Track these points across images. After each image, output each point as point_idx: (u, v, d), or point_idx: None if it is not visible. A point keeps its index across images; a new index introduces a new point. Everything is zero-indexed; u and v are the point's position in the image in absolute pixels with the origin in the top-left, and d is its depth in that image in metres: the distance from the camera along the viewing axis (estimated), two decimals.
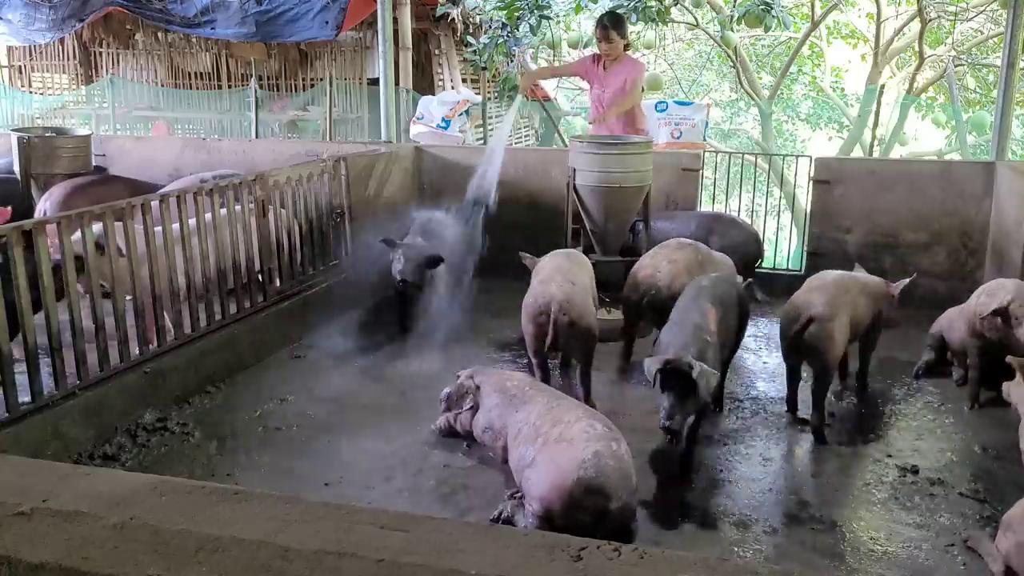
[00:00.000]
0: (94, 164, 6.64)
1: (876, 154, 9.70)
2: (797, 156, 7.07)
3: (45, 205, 5.75)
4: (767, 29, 8.62)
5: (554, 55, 12.20)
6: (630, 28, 7.95)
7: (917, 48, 11.71)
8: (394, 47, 7.30)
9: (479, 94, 9.71)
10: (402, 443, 3.83)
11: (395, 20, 7.84)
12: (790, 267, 6.91)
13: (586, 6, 9.02)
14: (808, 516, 3.26)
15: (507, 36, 9.53)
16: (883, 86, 9.55)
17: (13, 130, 6.95)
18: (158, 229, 4.16)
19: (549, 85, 12.34)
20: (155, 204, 4.17)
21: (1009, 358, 3.40)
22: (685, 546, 3.04)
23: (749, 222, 6.28)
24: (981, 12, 11.86)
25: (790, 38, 14.46)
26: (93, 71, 12.90)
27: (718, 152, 8.97)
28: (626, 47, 6.03)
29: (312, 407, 4.21)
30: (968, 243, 5.80)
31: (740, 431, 3.98)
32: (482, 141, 9.85)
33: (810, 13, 12.56)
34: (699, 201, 6.38)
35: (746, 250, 5.55)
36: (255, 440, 3.87)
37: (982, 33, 12.86)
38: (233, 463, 3.65)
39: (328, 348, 5.00)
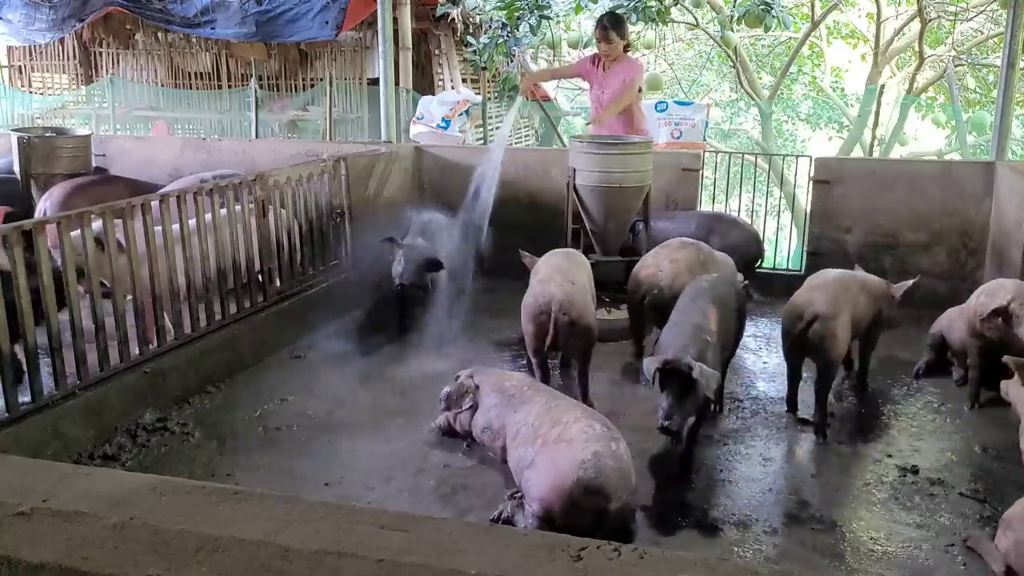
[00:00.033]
0: (94, 164, 6.64)
1: (876, 154, 9.70)
2: (797, 156, 7.07)
3: (45, 205, 5.75)
4: (767, 29, 8.63)
5: (554, 55, 12.20)
6: (630, 28, 7.95)
7: (917, 48, 11.71)
8: (394, 47, 7.30)
9: (479, 94, 9.72)
10: (402, 443, 3.83)
11: (395, 20, 7.84)
12: (790, 267, 6.91)
13: (586, 6, 9.02)
14: (808, 516, 3.26)
15: (507, 36, 9.53)
16: (883, 86, 9.55)
17: (13, 130, 6.95)
18: (158, 229, 4.16)
19: (549, 85, 12.34)
20: (155, 204, 4.17)
21: (1006, 358, 3.40)
22: (685, 546, 3.04)
23: (749, 222, 6.28)
24: (981, 12, 11.86)
25: (790, 38, 14.46)
26: (93, 71, 12.90)
27: (718, 152, 8.96)
28: (626, 48, 6.01)
29: (312, 407, 4.21)
30: (968, 243, 5.80)
31: (740, 431, 3.98)
32: (482, 141, 9.85)
33: (810, 13, 12.56)
34: (699, 201, 6.38)
35: (747, 250, 5.55)
36: (255, 440, 3.87)
37: (982, 33, 12.86)
38: (233, 463, 3.65)
39: (328, 348, 5.00)
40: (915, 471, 3.58)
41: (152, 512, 1.66)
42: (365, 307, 5.61)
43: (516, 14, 8.62)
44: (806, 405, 4.21)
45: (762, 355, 5.05)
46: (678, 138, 8.35)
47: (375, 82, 8.81)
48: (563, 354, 4.40)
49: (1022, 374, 3.32)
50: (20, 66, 13.15)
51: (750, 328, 5.46)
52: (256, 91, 10.35)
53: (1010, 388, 3.48)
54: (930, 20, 11.22)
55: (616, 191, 5.23)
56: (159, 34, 12.33)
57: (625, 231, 5.48)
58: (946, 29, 12.71)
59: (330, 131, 9.58)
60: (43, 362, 3.56)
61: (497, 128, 11.05)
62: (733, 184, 7.49)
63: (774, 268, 6.55)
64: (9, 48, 12.77)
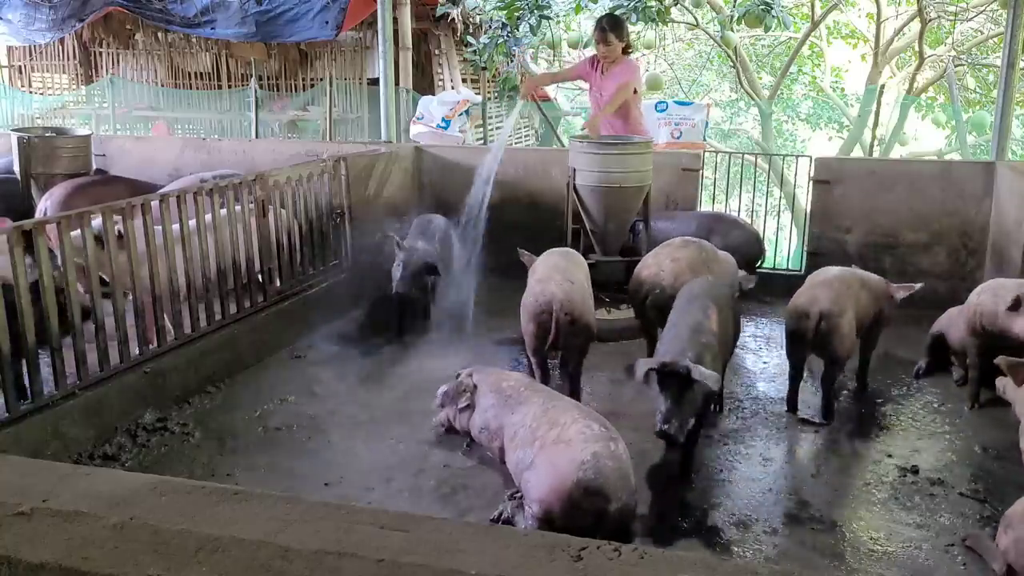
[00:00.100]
0: (94, 164, 6.64)
1: (876, 154, 9.70)
2: (797, 156, 7.07)
3: (46, 204, 5.75)
4: (767, 29, 8.62)
5: (554, 55, 12.20)
6: (630, 28, 7.94)
7: (917, 48, 11.71)
8: (394, 47, 7.30)
9: (479, 94, 9.72)
10: (402, 443, 3.83)
11: (395, 20, 7.84)
12: (790, 267, 6.91)
13: (586, 6, 9.02)
14: (808, 516, 3.26)
15: (507, 36, 9.53)
16: (883, 86, 9.55)
17: (13, 130, 6.95)
18: (158, 229, 4.16)
19: (549, 86, 12.33)
20: (155, 204, 4.17)
21: (998, 359, 3.38)
22: (685, 546, 3.04)
23: (749, 222, 6.29)
24: (981, 12, 11.86)
25: (790, 38, 14.45)
26: (93, 71, 12.90)
27: (718, 152, 8.96)
28: (626, 49, 5.98)
29: (312, 407, 4.21)
30: (968, 243, 5.80)
31: (740, 431, 3.98)
32: (482, 141, 9.85)
33: (810, 13, 12.55)
34: (699, 201, 6.38)
35: (747, 250, 5.55)
36: (255, 440, 3.87)
37: (982, 33, 12.86)
38: (233, 463, 3.65)
39: (328, 348, 5.00)
40: (915, 471, 3.58)
41: (152, 512, 1.66)
42: (365, 307, 5.61)
43: (516, 14, 8.62)
44: (806, 405, 4.21)
45: (762, 355, 5.05)
46: (678, 138, 8.35)
47: (375, 82, 8.81)
48: (563, 354, 4.39)
49: (1014, 374, 3.31)
50: (20, 66, 13.15)
51: (750, 328, 5.47)
52: (256, 91, 10.35)
53: (1007, 387, 3.48)
54: (930, 20, 11.22)
55: (616, 191, 5.23)
56: (159, 34, 12.33)
57: (625, 231, 5.48)
58: (946, 29, 12.71)
59: (330, 131, 9.58)
60: (43, 362, 3.56)
61: (497, 128, 11.05)
62: (733, 184, 7.49)
63: (774, 268, 6.55)
64: (9, 48, 12.77)
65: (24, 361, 3.46)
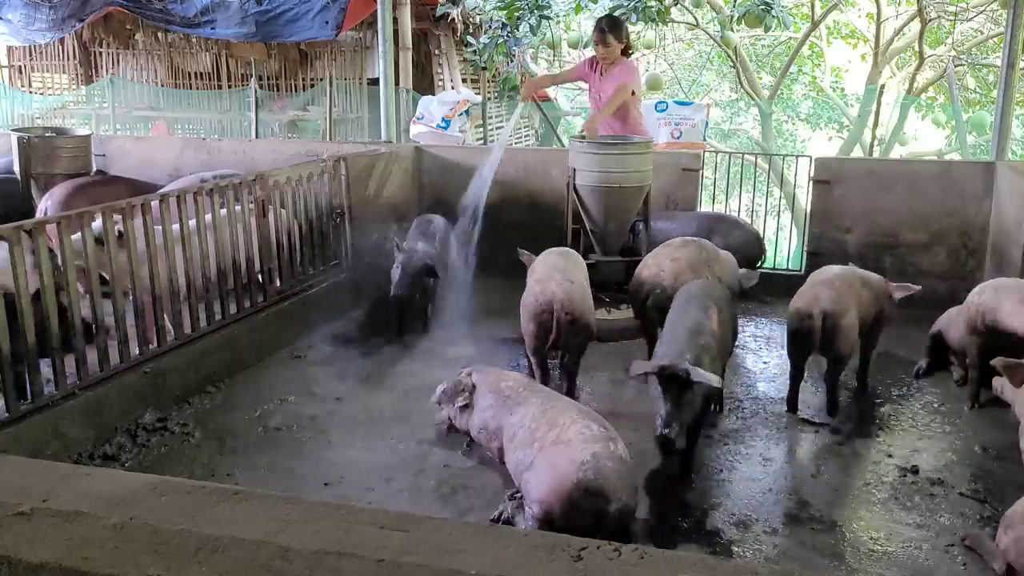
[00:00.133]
0: (94, 164, 6.64)
1: (876, 154, 9.70)
2: (797, 156, 7.07)
3: (47, 204, 5.75)
4: (767, 29, 8.62)
5: (554, 55, 12.20)
6: (630, 28, 7.93)
7: (917, 48, 11.71)
8: (394, 47, 7.30)
9: (479, 94, 9.72)
10: (402, 443, 3.83)
11: (395, 20, 7.84)
12: (790, 267, 6.91)
13: (586, 6, 9.02)
14: (808, 516, 3.26)
15: (507, 36, 9.53)
16: (883, 86, 9.55)
17: (13, 130, 6.95)
18: (158, 229, 4.16)
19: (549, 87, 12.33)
20: (155, 204, 4.17)
21: (995, 360, 3.37)
22: (685, 546, 3.04)
23: (750, 222, 6.29)
24: (981, 12, 11.86)
25: (790, 38, 14.45)
26: (93, 71, 12.90)
27: (718, 152, 8.96)
28: (625, 51, 5.95)
29: (312, 407, 4.21)
30: (968, 243, 5.80)
31: (740, 431, 3.98)
32: (482, 141, 9.85)
33: (810, 13, 12.55)
34: (699, 201, 6.38)
35: (748, 251, 5.55)
36: (255, 440, 3.87)
37: (982, 33, 12.86)
38: (233, 463, 3.65)
39: (328, 348, 5.00)
40: (915, 471, 3.58)
41: (152, 512, 1.66)
42: (365, 307, 5.61)
43: (516, 14, 8.62)
44: (806, 405, 4.22)
45: (762, 355, 5.05)
46: (678, 138, 8.35)
47: (375, 82, 8.81)
48: (563, 353, 4.39)
49: (1011, 375, 3.31)
50: (20, 66, 13.15)
51: (750, 328, 5.47)
52: (256, 91, 10.35)
53: (1004, 387, 3.47)
54: (930, 20, 11.22)
55: (616, 191, 5.23)
56: (159, 34, 12.33)
57: (625, 231, 5.48)
58: (946, 29, 12.71)
59: (330, 131, 9.58)
60: (43, 362, 3.56)
61: (498, 128, 11.05)
62: (733, 184, 7.50)
63: (774, 268, 6.55)
64: (9, 48, 12.77)
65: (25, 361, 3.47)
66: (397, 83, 7.74)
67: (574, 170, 5.33)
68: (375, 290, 5.56)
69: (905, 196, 5.89)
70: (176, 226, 4.29)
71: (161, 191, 4.71)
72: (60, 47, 12.76)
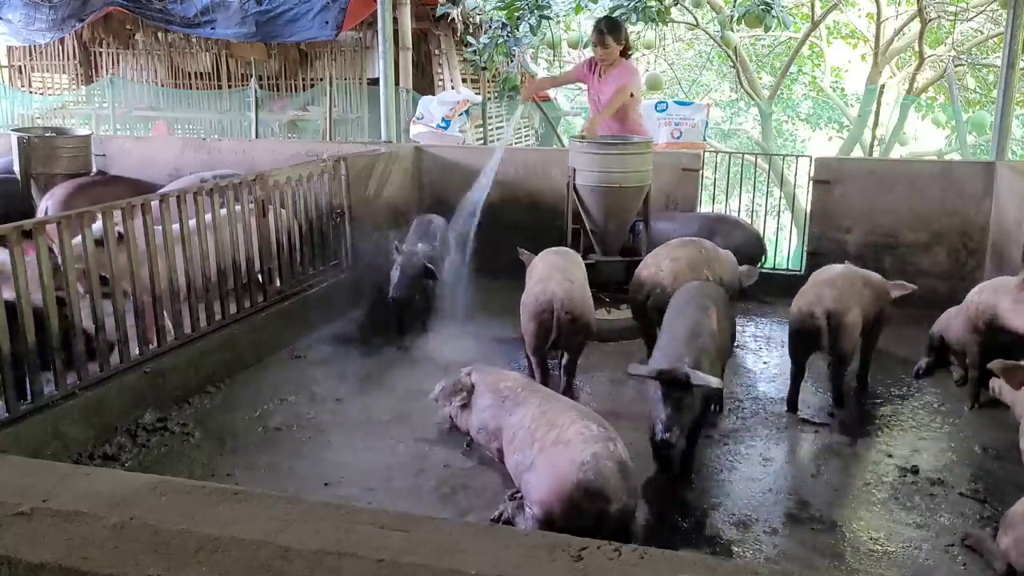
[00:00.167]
0: (94, 164, 6.65)
1: (876, 154, 9.70)
2: (797, 156, 7.07)
3: (47, 204, 5.76)
4: (767, 29, 8.62)
5: (554, 55, 12.20)
6: (630, 28, 7.92)
7: (917, 48, 11.71)
8: (394, 47, 7.30)
9: (479, 94, 9.72)
10: (402, 443, 3.83)
11: (395, 20, 7.85)
12: (790, 267, 6.91)
13: (586, 6, 9.02)
14: (808, 516, 3.26)
15: (507, 36, 9.53)
16: (883, 86, 9.55)
17: (13, 130, 6.95)
18: (158, 229, 4.16)
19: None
20: (155, 204, 4.17)
21: (992, 363, 3.36)
22: (685, 546, 3.04)
23: (750, 223, 6.29)
24: (981, 12, 11.86)
25: (790, 38, 14.45)
26: (93, 71, 12.90)
27: (718, 152, 8.96)
28: (624, 52, 5.93)
29: (312, 407, 4.21)
30: (968, 243, 5.80)
31: (740, 431, 3.98)
32: (482, 141, 9.85)
33: (810, 13, 12.56)
34: (699, 201, 6.38)
35: (749, 251, 5.55)
36: (255, 440, 3.87)
37: (982, 33, 12.85)
38: (233, 463, 3.65)
39: (328, 348, 5.00)
40: (915, 471, 3.58)
41: (152, 512, 1.66)
42: (365, 307, 5.61)
43: (516, 14, 8.63)
44: (806, 405, 4.21)
45: (762, 355, 5.04)
46: (678, 138, 8.35)
47: (375, 82, 8.82)
48: (563, 352, 4.39)
49: (1009, 377, 3.30)
50: (20, 66, 13.15)
51: (750, 328, 5.47)
52: (256, 91, 10.35)
53: (1003, 389, 3.47)
54: (930, 20, 11.22)
55: (616, 191, 5.23)
56: (159, 34, 12.33)
57: (625, 231, 5.48)
58: (946, 29, 12.71)
59: (330, 131, 9.58)
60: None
61: (498, 128, 11.05)
62: (733, 184, 7.50)
63: (774, 268, 6.55)
64: (9, 48, 12.77)
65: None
66: (397, 83, 7.74)
67: (574, 170, 5.33)
68: (375, 290, 5.56)
69: (905, 196, 5.89)
70: (176, 226, 4.29)
71: (161, 191, 4.72)
72: (60, 47, 12.76)
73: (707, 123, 8.87)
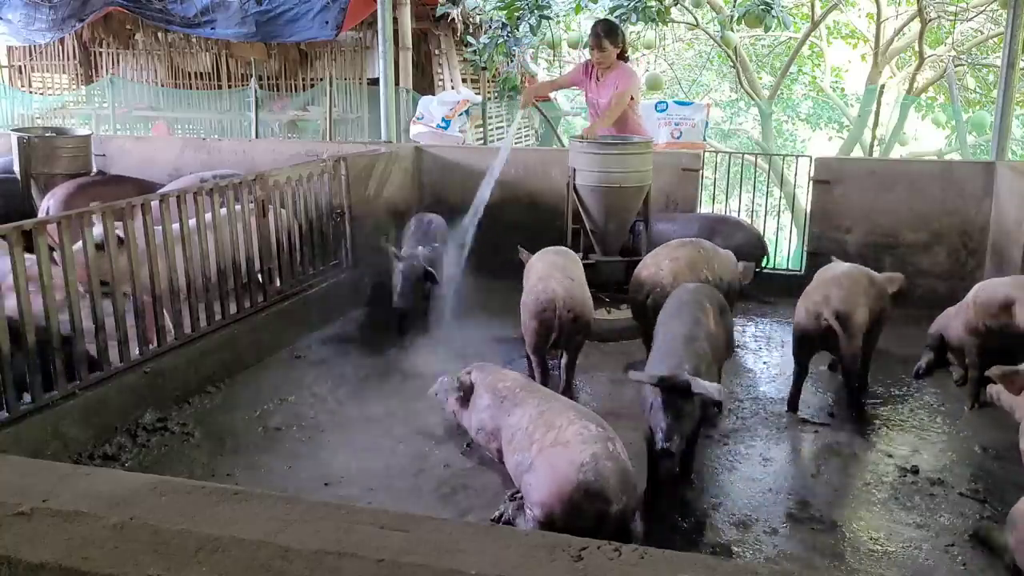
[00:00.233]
0: (94, 164, 6.64)
1: (876, 154, 9.70)
2: (797, 156, 7.07)
3: (49, 203, 5.75)
4: (767, 29, 8.62)
5: (554, 55, 12.20)
6: (630, 28, 7.92)
7: (917, 48, 11.71)
8: (394, 47, 7.30)
9: (479, 94, 9.72)
10: (402, 443, 3.83)
11: (395, 20, 7.84)
12: (790, 267, 6.91)
13: (586, 6, 9.02)
14: (808, 516, 3.26)
15: (507, 36, 9.53)
16: (883, 86, 9.55)
17: (13, 130, 6.95)
18: (158, 229, 4.16)
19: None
20: (155, 204, 4.17)
21: (990, 370, 3.35)
22: (685, 546, 3.04)
23: (751, 223, 6.29)
24: (981, 12, 11.85)
25: (790, 38, 14.45)
26: (93, 71, 12.90)
27: (718, 152, 8.96)
28: (622, 55, 5.92)
29: (312, 407, 4.21)
30: (968, 243, 5.80)
31: (740, 431, 3.98)
32: (482, 141, 9.85)
33: (810, 13, 12.55)
34: (699, 201, 6.38)
35: (751, 252, 5.55)
36: (255, 440, 3.87)
37: (982, 33, 12.85)
38: (233, 463, 3.65)
39: (328, 348, 5.00)
40: (915, 471, 3.58)
41: (152, 512, 1.66)
42: (365, 307, 5.60)
43: (516, 14, 8.62)
44: (806, 405, 4.21)
45: (762, 355, 5.04)
46: (678, 138, 8.35)
47: (375, 82, 8.82)
48: (563, 352, 4.39)
49: (1006, 383, 3.30)
50: (20, 66, 13.15)
51: (750, 328, 5.47)
52: (256, 91, 10.35)
53: (1001, 395, 3.46)
54: (930, 20, 11.21)
55: (616, 191, 5.23)
56: (159, 34, 12.33)
57: (625, 231, 5.48)
58: (946, 29, 12.70)
59: (330, 131, 9.58)
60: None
61: (497, 128, 11.05)
62: (733, 184, 7.50)
63: (774, 268, 6.55)
64: (9, 48, 12.77)
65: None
66: (397, 83, 7.74)
67: (574, 170, 5.33)
68: (375, 290, 5.56)
69: (905, 196, 5.89)
70: (176, 226, 4.29)
71: (161, 191, 4.72)
72: (60, 47, 12.75)
73: (707, 123, 8.87)
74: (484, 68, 10.00)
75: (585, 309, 4.12)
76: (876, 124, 8.88)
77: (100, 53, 12.79)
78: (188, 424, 3.97)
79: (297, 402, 4.26)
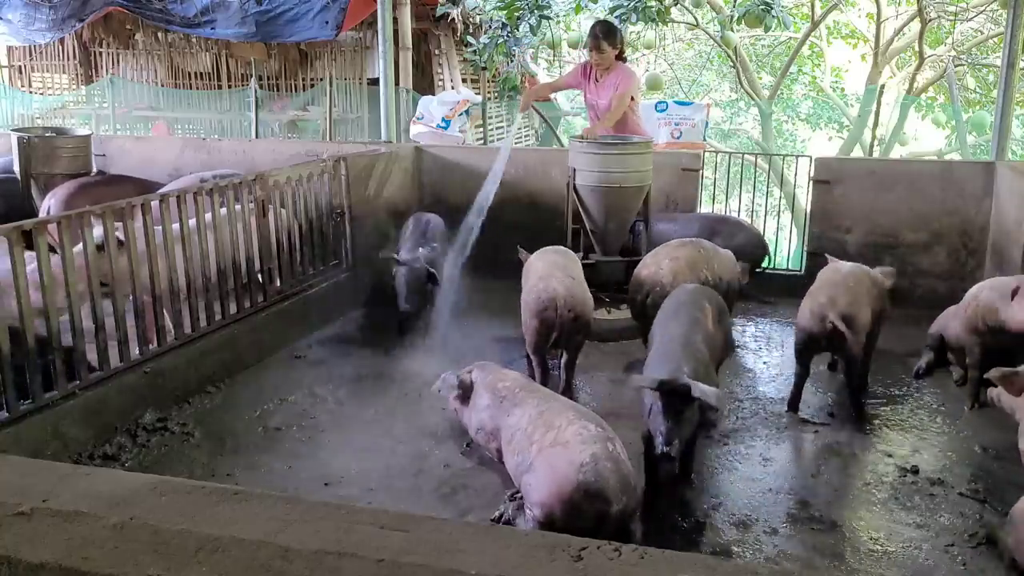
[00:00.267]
0: (94, 164, 6.64)
1: (876, 154, 9.70)
2: (797, 156, 7.07)
3: (50, 203, 5.75)
4: (767, 29, 8.62)
5: (554, 55, 12.20)
6: (630, 28, 7.91)
7: (917, 48, 11.71)
8: (394, 47, 7.30)
9: (479, 94, 9.72)
10: (402, 443, 3.83)
11: (395, 20, 7.84)
12: (790, 267, 6.90)
13: (586, 6, 9.02)
14: (808, 516, 3.26)
15: (507, 36, 9.53)
16: (883, 86, 9.55)
17: (13, 130, 6.95)
18: (158, 229, 4.16)
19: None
20: (155, 204, 4.17)
21: (990, 372, 3.35)
22: (685, 546, 3.04)
23: (752, 224, 6.29)
24: (981, 12, 11.85)
25: (790, 38, 14.45)
26: (93, 71, 12.90)
27: (718, 152, 8.96)
28: (620, 55, 5.91)
29: (312, 407, 4.21)
30: (968, 243, 5.80)
31: (740, 431, 3.98)
32: (482, 141, 9.85)
33: (810, 13, 12.55)
34: (699, 201, 6.38)
35: (752, 252, 5.55)
36: (255, 440, 3.87)
37: (982, 33, 12.85)
38: (233, 463, 3.65)
39: (328, 348, 5.00)
40: (915, 471, 3.58)
41: (152, 512, 1.66)
42: (365, 307, 5.60)
43: (516, 14, 8.62)
44: (806, 405, 4.21)
45: (762, 355, 5.04)
46: (678, 138, 8.35)
47: (375, 82, 8.82)
48: (563, 352, 4.39)
49: (1007, 384, 3.30)
50: (20, 66, 13.15)
51: (750, 328, 5.47)
52: (256, 91, 10.34)
53: (1002, 397, 3.47)
54: (930, 20, 11.21)
55: (616, 191, 5.23)
56: (159, 34, 12.33)
57: (625, 231, 5.48)
58: (946, 29, 12.70)
59: (330, 131, 9.58)
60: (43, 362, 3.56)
61: (497, 128, 11.05)
62: (733, 184, 7.49)
63: (774, 268, 6.55)
64: (9, 48, 12.77)
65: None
66: (397, 83, 7.74)
67: (574, 170, 5.33)
68: (375, 290, 5.56)
69: (905, 196, 5.89)
70: (176, 226, 4.29)
71: (161, 191, 4.72)
72: (60, 47, 12.75)
73: (707, 123, 8.87)
74: (484, 68, 10.00)
75: (586, 308, 4.13)
76: (876, 124, 8.87)
77: (100, 53, 12.79)
78: (188, 424, 3.97)
79: (297, 402, 4.26)
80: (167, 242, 4.17)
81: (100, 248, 3.85)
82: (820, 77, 16.29)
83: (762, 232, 6.23)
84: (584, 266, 4.70)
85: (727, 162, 7.60)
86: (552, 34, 10.60)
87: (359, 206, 5.78)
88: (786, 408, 4.19)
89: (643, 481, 3.20)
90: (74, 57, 12.93)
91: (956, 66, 11.97)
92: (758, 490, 3.45)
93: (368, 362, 4.82)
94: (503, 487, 3.33)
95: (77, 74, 13.01)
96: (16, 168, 6.32)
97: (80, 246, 3.74)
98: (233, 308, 4.66)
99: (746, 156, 8.74)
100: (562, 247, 4.80)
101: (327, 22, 9.35)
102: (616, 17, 8.11)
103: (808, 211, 6.19)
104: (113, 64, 12.75)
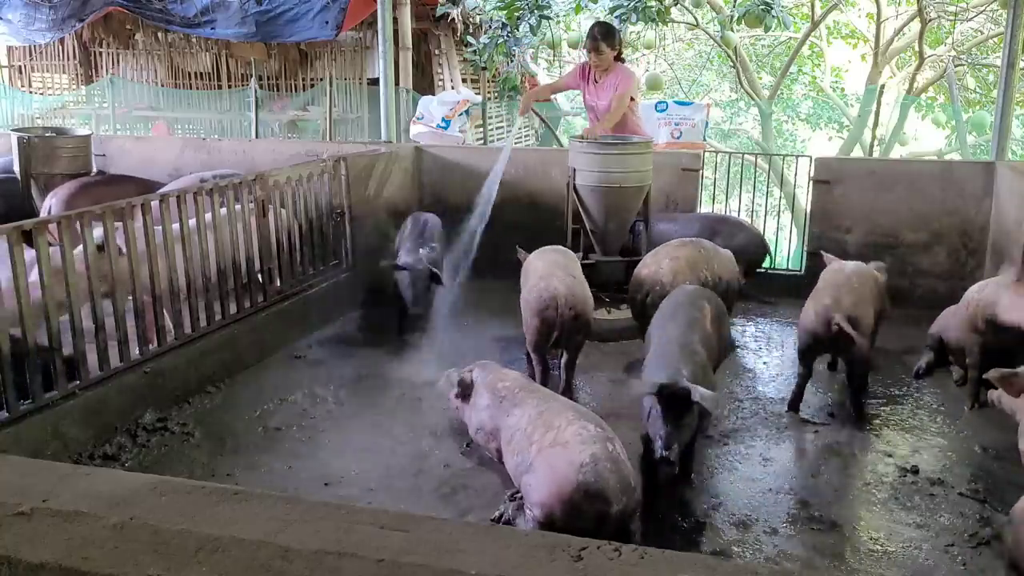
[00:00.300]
0: (94, 164, 6.64)
1: (876, 154, 9.70)
2: (797, 156, 7.07)
3: (51, 202, 5.75)
4: (767, 29, 8.61)
5: (554, 55, 12.20)
6: (630, 28, 7.91)
7: (917, 48, 11.71)
8: (394, 47, 7.30)
9: (479, 94, 9.72)
10: (402, 443, 3.83)
11: (395, 20, 7.84)
12: (790, 267, 6.90)
13: (586, 6, 9.02)
14: (808, 516, 3.26)
15: (507, 36, 9.53)
16: (883, 86, 9.54)
17: (13, 130, 6.95)
18: (158, 229, 4.16)
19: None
20: (155, 204, 4.17)
21: (989, 373, 3.34)
22: (685, 546, 3.04)
23: (752, 224, 6.29)
24: (981, 12, 11.85)
25: (790, 38, 14.45)
26: (93, 71, 12.90)
27: (718, 152, 8.96)
28: (619, 56, 5.91)
29: (312, 407, 4.21)
30: (968, 243, 5.80)
31: (740, 431, 3.98)
32: (482, 141, 9.86)
33: (810, 13, 12.55)
34: (699, 201, 6.38)
35: (753, 253, 5.55)
36: (255, 440, 3.87)
37: (982, 33, 12.85)
38: (233, 463, 3.65)
39: (328, 348, 5.00)
40: (915, 471, 3.58)
41: (152, 512, 1.66)
42: (365, 307, 5.60)
43: (516, 14, 8.62)
44: (806, 405, 4.21)
45: (762, 355, 5.04)
46: (678, 138, 8.34)
47: (375, 82, 8.81)
48: (563, 351, 4.39)
49: (1007, 385, 3.29)
50: (20, 66, 13.14)
51: (750, 328, 5.47)
52: (256, 91, 10.34)
53: (1002, 398, 3.46)
54: (930, 20, 11.21)
55: (616, 191, 5.23)
56: (159, 34, 12.32)
57: (625, 231, 5.48)
58: (946, 29, 12.70)
59: (330, 131, 9.58)
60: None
61: (497, 128, 11.05)
62: (733, 184, 7.49)
63: (774, 268, 6.55)
64: (9, 48, 12.77)
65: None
66: (397, 83, 7.74)
67: (574, 170, 5.33)
68: (375, 290, 5.56)
69: (905, 196, 5.89)
70: (176, 226, 4.29)
71: (161, 191, 4.72)
72: (60, 47, 12.75)
73: (707, 123, 8.86)
74: (484, 68, 10.00)
75: (587, 307, 4.13)
76: (876, 124, 8.87)
77: (100, 53, 12.79)
78: (188, 424, 3.97)
79: (297, 402, 4.26)
80: (167, 242, 4.17)
81: (100, 248, 3.85)
82: (820, 77, 16.29)
83: (762, 232, 6.23)
84: (584, 266, 4.70)
85: (727, 162, 7.60)
86: (552, 34, 10.60)
87: (359, 206, 5.78)
88: (786, 408, 4.19)
89: (649, 480, 3.20)
90: (74, 57, 12.93)
91: (956, 66, 11.97)
92: (758, 490, 3.45)
93: (368, 362, 4.82)
94: (503, 487, 3.33)
95: (77, 74, 13.01)
96: (16, 168, 6.32)
97: (79, 249, 3.75)
98: (233, 308, 4.66)
99: (746, 156, 8.74)
100: (561, 247, 4.80)
101: (327, 22, 9.35)
102: (616, 17, 8.11)
103: (808, 211, 6.19)
104: (113, 64, 12.75)
